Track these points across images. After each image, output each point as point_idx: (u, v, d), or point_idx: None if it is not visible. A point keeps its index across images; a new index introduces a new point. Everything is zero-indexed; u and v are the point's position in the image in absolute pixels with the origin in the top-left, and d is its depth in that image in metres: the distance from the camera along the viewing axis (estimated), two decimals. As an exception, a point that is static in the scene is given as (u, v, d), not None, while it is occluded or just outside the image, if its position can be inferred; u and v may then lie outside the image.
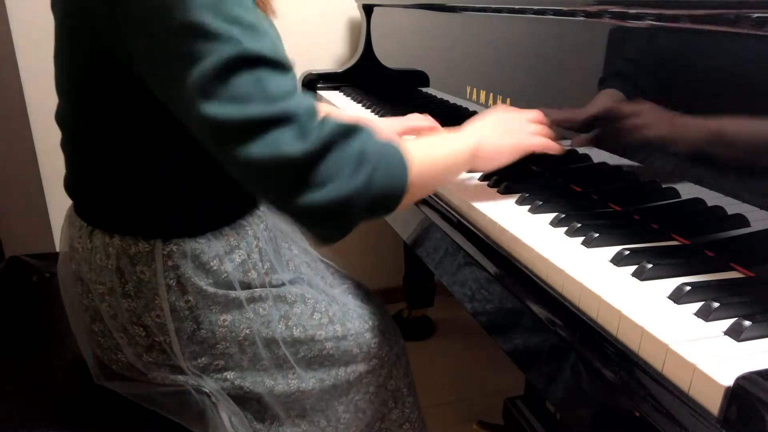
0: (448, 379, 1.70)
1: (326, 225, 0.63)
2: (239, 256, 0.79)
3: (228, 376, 0.81)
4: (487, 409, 1.52)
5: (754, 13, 0.56)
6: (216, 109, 0.57)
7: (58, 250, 0.85)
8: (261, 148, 0.57)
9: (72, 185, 0.78)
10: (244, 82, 0.57)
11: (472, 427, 1.33)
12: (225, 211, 0.78)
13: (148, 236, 0.74)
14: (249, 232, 0.81)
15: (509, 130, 0.82)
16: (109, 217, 0.75)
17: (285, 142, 0.58)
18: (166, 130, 0.68)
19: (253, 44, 0.58)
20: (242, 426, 0.82)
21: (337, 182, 0.60)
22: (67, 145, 0.76)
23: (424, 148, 0.73)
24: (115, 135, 0.70)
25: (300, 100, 0.61)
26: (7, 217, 1.61)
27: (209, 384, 0.80)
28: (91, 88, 0.69)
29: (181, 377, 0.80)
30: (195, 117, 0.58)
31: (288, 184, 0.59)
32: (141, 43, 0.60)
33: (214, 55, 0.56)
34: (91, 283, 0.76)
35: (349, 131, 0.63)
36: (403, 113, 1.11)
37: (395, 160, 0.66)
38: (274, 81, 0.59)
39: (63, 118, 0.74)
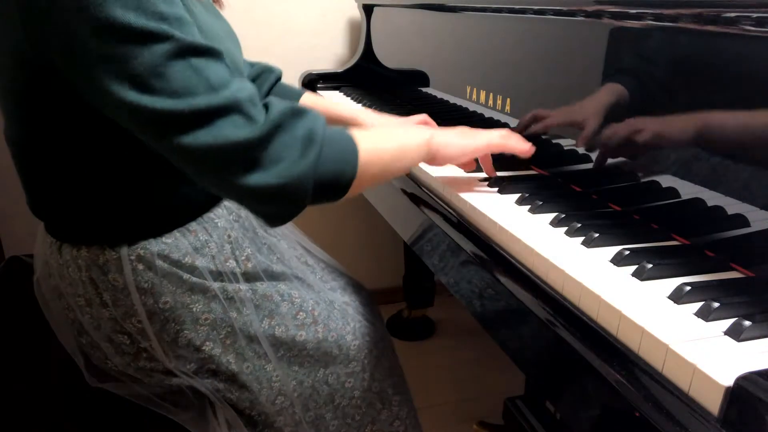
0: (448, 379, 1.70)
1: (274, 206, 0.64)
2: (210, 250, 0.79)
3: (219, 379, 0.80)
4: (487, 409, 1.52)
5: (754, 13, 0.56)
6: (161, 103, 0.57)
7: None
8: (209, 136, 0.58)
9: (33, 205, 0.77)
10: (182, 74, 0.58)
11: (472, 427, 1.33)
12: (186, 207, 0.78)
13: (113, 243, 0.73)
14: (219, 224, 0.80)
15: (465, 134, 0.82)
16: (74, 231, 0.75)
17: (232, 129, 0.59)
18: (108, 136, 0.67)
19: (182, 35, 0.58)
20: (238, 429, 0.82)
21: (285, 163, 0.61)
22: (17, 164, 0.75)
23: (374, 136, 0.73)
24: (58, 148, 0.70)
25: (240, 86, 0.62)
26: (7, 217, 1.61)
27: (203, 386, 0.80)
28: (25, 101, 0.68)
29: (176, 379, 0.80)
30: (137, 114, 0.58)
31: (237, 167, 0.60)
32: (62, 48, 0.58)
33: (148, 54, 0.56)
34: (70, 296, 0.76)
35: (296, 113, 0.64)
36: (403, 113, 1.11)
37: (344, 143, 0.67)
38: (212, 69, 0.60)
39: (8, 135, 0.73)
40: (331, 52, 1.80)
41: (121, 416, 0.80)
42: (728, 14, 0.59)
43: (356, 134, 0.69)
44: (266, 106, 0.64)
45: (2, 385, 0.85)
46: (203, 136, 0.58)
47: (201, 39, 0.61)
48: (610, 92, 0.78)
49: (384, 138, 0.75)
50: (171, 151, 0.61)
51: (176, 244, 0.76)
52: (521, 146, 0.83)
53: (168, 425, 0.80)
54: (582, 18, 0.81)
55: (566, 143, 0.87)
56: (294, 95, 1.06)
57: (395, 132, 0.78)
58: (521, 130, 0.96)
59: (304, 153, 0.62)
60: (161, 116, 0.58)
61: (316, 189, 0.64)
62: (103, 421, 0.80)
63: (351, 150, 0.67)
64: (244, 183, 0.60)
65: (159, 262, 0.74)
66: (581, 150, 0.83)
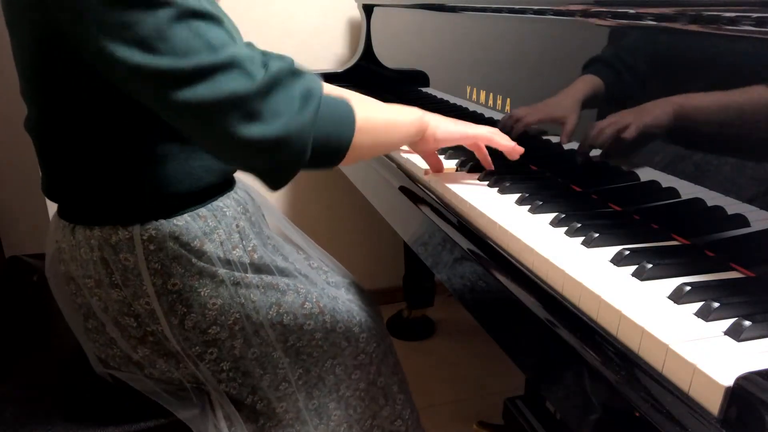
0: (448, 379, 1.70)
1: (274, 160, 0.65)
2: (219, 236, 0.80)
3: (224, 367, 0.81)
4: (487, 409, 1.52)
5: (754, 13, 0.56)
6: (164, 61, 0.59)
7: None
8: (208, 90, 0.60)
9: (49, 188, 0.79)
10: (184, 36, 0.60)
11: (472, 427, 1.33)
12: (198, 190, 0.79)
13: (126, 223, 0.75)
14: (227, 213, 0.82)
15: (457, 121, 0.87)
16: (87, 211, 0.76)
17: (231, 83, 0.61)
18: (121, 115, 0.69)
19: (183, 1, 0.61)
20: (238, 426, 0.82)
21: (285, 116, 0.63)
22: (38, 150, 0.77)
23: (369, 105, 0.75)
24: (78, 130, 0.72)
25: (239, 47, 0.64)
26: (7, 217, 1.61)
27: (206, 375, 0.80)
28: (47, 87, 0.70)
29: (177, 372, 0.80)
30: (141, 74, 0.60)
31: (236, 119, 0.61)
32: (71, 17, 0.61)
33: (151, 19, 0.59)
34: (80, 278, 0.77)
35: (296, 72, 0.66)
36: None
37: (342, 107, 0.69)
38: (212, 32, 0.62)
39: (30, 123, 0.75)
40: (331, 52, 1.80)
41: (123, 412, 0.81)
42: (728, 14, 0.59)
43: (353, 100, 0.71)
44: (265, 66, 0.66)
45: (4, 382, 0.85)
46: (203, 90, 0.60)
47: (201, 4, 0.63)
48: (609, 91, 0.78)
49: (379, 107, 0.77)
50: (171, 107, 0.62)
51: (187, 227, 0.77)
52: (507, 143, 0.87)
53: (169, 423, 0.80)
54: (582, 18, 0.81)
55: (566, 143, 0.87)
56: None
57: (390, 105, 0.81)
58: (512, 126, 0.96)
59: (303, 108, 0.64)
60: (164, 74, 0.60)
61: (315, 146, 0.66)
62: (104, 419, 0.80)
63: (348, 113, 0.69)
64: (244, 134, 0.62)
65: (170, 244, 0.75)
66: (588, 150, 0.83)
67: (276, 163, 0.66)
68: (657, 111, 0.71)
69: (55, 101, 0.71)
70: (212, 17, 0.63)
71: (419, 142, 0.83)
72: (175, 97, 0.61)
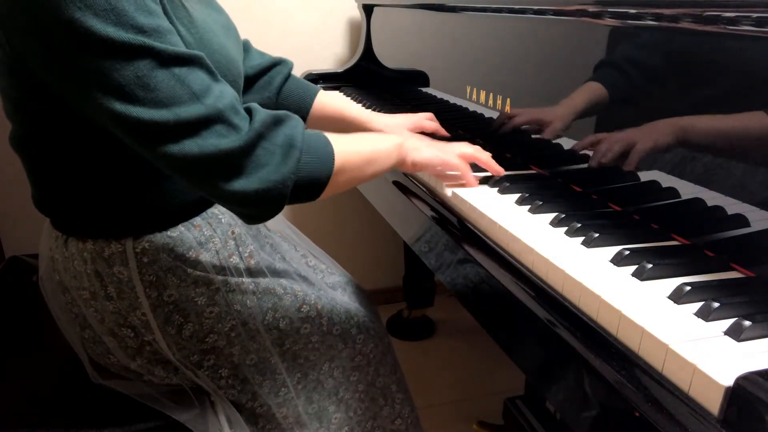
0: (448, 379, 1.70)
1: (255, 208, 0.66)
2: (214, 245, 0.79)
3: (222, 374, 0.81)
4: (487, 409, 1.52)
5: (754, 13, 0.56)
6: (147, 113, 0.58)
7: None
8: (195, 146, 0.60)
9: (39, 202, 0.78)
10: (166, 84, 0.59)
11: (472, 427, 1.33)
12: (190, 202, 0.78)
13: (118, 236, 0.74)
14: (222, 220, 0.82)
15: (437, 145, 0.86)
16: (79, 225, 0.75)
17: (217, 139, 0.61)
18: (109, 134, 0.67)
19: (163, 46, 0.59)
20: (239, 428, 0.82)
21: (267, 168, 0.64)
22: (25, 166, 0.76)
23: (349, 140, 0.76)
24: (63, 150, 0.71)
25: (221, 92, 0.63)
26: (7, 217, 1.61)
27: (205, 380, 0.80)
28: (27, 109, 0.69)
29: (177, 378, 0.80)
30: (124, 123, 0.59)
31: (221, 174, 0.62)
32: (45, 62, 0.59)
33: (130, 67, 0.57)
34: (74, 290, 0.77)
35: (277, 120, 0.66)
36: (404, 113, 1.11)
37: (322, 148, 0.69)
38: (193, 77, 0.61)
39: (14, 140, 0.74)
40: (331, 52, 1.80)
41: (122, 414, 0.80)
42: (728, 14, 0.59)
43: (332, 138, 0.71)
44: (249, 112, 0.66)
45: (3, 383, 0.85)
46: (189, 146, 0.60)
47: (181, 47, 0.62)
48: (609, 91, 0.78)
49: (357, 143, 0.77)
50: (157, 158, 0.62)
51: (181, 238, 0.76)
52: (494, 164, 0.87)
53: (169, 424, 0.80)
54: (582, 18, 0.81)
55: (566, 143, 0.87)
56: (309, 92, 1.06)
57: (368, 137, 0.81)
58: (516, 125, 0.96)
59: (285, 159, 0.65)
60: (148, 126, 0.59)
61: (294, 191, 0.66)
62: (103, 419, 0.80)
63: (328, 155, 0.70)
64: (228, 188, 0.62)
65: (164, 256, 0.75)
66: (581, 150, 0.83)
67: (258, 210, 0.66)
68: (658, 113, 0.71)
69: (37, 123, 0.69)
70: (193, 60, 0.62)
71: (401, 165, 0.83)
72: (159, 150, 0.60)
